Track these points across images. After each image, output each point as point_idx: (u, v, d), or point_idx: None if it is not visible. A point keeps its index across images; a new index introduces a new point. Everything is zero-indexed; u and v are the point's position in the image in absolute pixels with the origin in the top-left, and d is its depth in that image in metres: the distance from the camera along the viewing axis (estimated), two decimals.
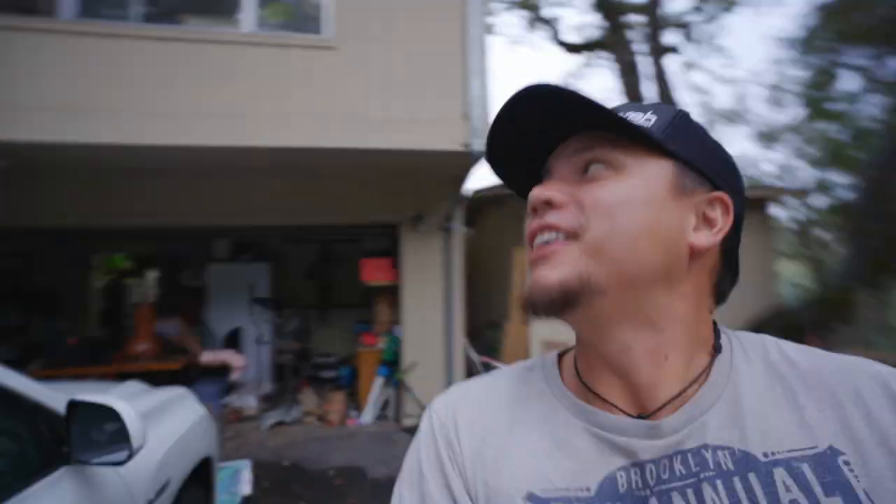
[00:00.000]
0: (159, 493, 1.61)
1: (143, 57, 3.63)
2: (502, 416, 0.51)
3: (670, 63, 9.29)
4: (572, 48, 9.50)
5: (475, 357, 5.33)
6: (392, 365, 5.26)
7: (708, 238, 0.47)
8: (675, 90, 8.34)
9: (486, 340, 5.98)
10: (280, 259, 7.20)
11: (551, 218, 0.46)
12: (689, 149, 0.48)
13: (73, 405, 1.24)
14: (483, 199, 5.81)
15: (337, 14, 3.97)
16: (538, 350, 4.99)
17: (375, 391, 5.20)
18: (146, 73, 3.62)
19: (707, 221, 0.48)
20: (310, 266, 7.62)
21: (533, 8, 9.45)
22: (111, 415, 1.24)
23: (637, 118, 0.48)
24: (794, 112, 11.92)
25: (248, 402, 5.32)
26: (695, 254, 0.47)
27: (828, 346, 4.00)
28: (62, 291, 6.81)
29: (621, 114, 0.46)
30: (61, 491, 1.22)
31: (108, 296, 7.79)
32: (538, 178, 0.52)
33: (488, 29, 4.12)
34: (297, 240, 7.33)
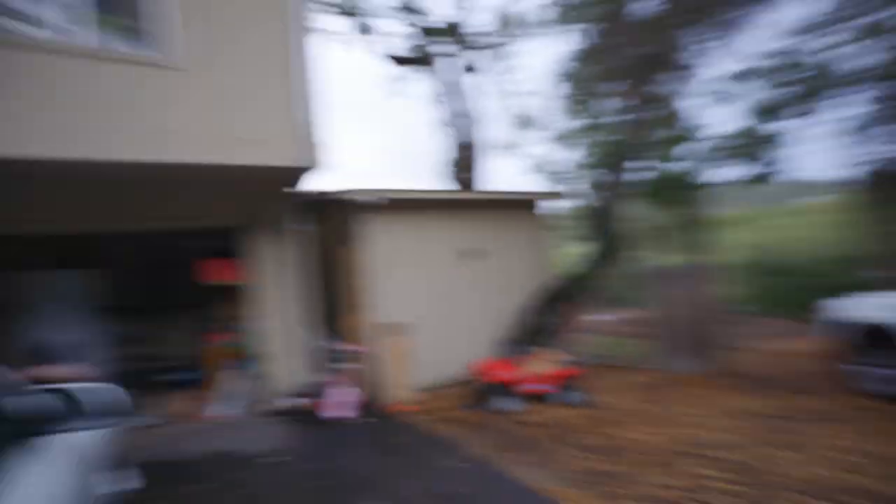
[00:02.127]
0: None
1: None
2: None
3: (476, 79, 10.92)
4: (398, 60, 10.39)
5: (325, 344, 6.09)
6: (246, 358, 5.79)
7: None
8: (480, 103, 9.95)
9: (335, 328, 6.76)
10: (107, 265, 7.02)
11: None
12: None
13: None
14: (327, 201, 6.49)
15: (178, 37, 4.33)
16: (368, 333, 5.98)
17: (230, 384, 5.70)
18: None
19: None
20: (143, 270, 7.53)
21: (351, 13, 9.97)
22: None
23: None
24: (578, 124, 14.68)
25: None
26: None
27: (578, 309, 5.80)
28: None
29: None
30: None
31: None
32: None
33: (316, 57, 4.91)
34: (137, 245, 7.19)
